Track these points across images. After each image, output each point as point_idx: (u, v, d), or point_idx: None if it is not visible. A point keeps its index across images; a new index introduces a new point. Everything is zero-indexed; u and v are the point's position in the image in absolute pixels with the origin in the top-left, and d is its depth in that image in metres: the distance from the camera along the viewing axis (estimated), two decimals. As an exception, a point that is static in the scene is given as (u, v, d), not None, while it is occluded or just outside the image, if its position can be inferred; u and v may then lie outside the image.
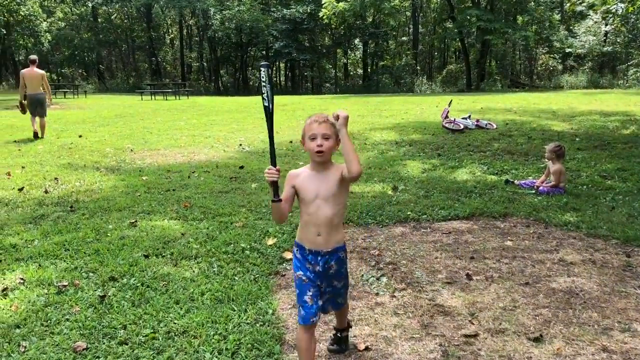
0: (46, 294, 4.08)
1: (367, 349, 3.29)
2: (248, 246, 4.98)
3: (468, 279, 4.29)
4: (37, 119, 12.66)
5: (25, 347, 3.32)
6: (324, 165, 2.81)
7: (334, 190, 2.77)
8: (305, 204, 2.83)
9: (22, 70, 13.10)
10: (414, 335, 3.44)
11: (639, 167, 8.17)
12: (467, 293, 4.05)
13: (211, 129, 14.52)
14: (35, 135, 12.48)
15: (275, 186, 2.79)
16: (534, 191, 7.09)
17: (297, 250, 2.93)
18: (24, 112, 13.06)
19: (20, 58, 47.44)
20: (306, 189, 2.82)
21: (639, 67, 34.59)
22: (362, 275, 4.40)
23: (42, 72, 13.12)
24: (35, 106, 12.66)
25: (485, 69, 40.20)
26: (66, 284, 4.22)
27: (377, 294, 4.07)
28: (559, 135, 11.03)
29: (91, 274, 4.44)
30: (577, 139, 10.25)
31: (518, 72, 44.38)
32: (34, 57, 13.18)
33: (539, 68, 42.54)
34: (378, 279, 4.32)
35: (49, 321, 3.65)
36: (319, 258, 2.84)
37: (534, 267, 4.54)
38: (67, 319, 3.68)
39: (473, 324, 3.57)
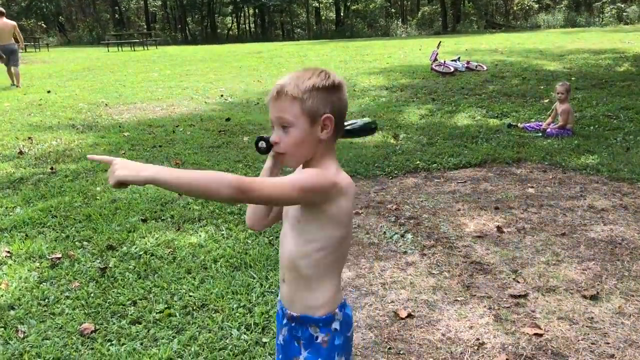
0: (38, 268, 3.65)
1: (409, 315, 2.98)
2: (254, 205, 4.57)
3: (499, 232, 3.99)
4: (13, 69, 13.00)
5: (24, 332, 2.92)
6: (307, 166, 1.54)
7: (298, 212, 1.51)
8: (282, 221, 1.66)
9: None
10: (457, 298, 3.14)
11: (642, 105, 7.93)
12: (502, 248, 3.75)
13: (187, 79, 13.83)
14: (13, 85, 12.98)
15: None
16: (540, 134, 6.79)
17: (278, 290, 1.87)
18: (4, 62, 13.06)
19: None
20: None
21: (615, 4, 34.25)
22: (385, 233, 4.06)
23: (13, 22, 13.31)
24: (8, 57, 12.85)
25: (461, 10, 39.41)
26: (59, 255, 3.79)
27: (405, 253, 3.74)
28: (553, 75, 10.71)
29: (85, 243, 4.01)
30: (572, 79, 9.95)
31: (493, 12, 43.65)
32: (1, 9, 13.13)
33: (514, 8, 41.85)
34: (402, 235, 3.99)
35: (46, 300, 3.24)
36: (283, 320, 1.64)
37: (565, 215, 4.26)
38: (67, 297, 3.27)
39: (518, 282, 3.28)
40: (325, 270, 1.55)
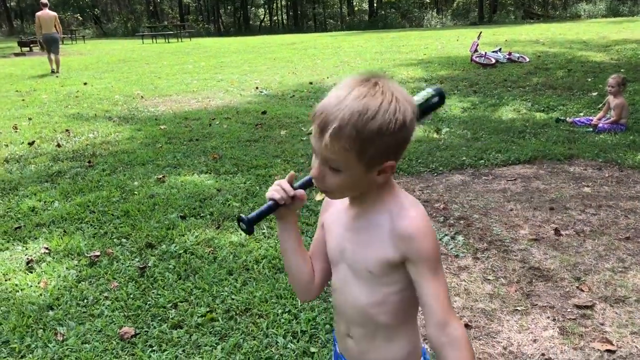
0: (77, 266, 3.56)
1: (467, 326, 2.77)
2: (295, 202, 4.41)
3: (557, 235, 3.74)
4: (53, 56, 14.18)
5: (63, 335, 2.82)
6: (364, 199, 1.24)
7: (374, 263, 1.22)
8: (332, 264, 1.36)
9: (37, 13, 14.34)
10: (517, 307, 2.92)
11: (700, 98, 7.49)
12: (561, 252, 3.50)
13: (222, 71, 13.76)
14: (53, 72, 14.06)
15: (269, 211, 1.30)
16: (591, 129, 6.46)
17: (333, 344, 1.51)
18: (44, 49, 14.59)
19: (11, 4, 45.75)
20: (331, 234, 1.34)
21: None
22: (434, 233, 3.85)
23: (54, 13, 14.52)
24: (50, 44, 14.05)
25: (497, 0, 38.53)
26: (98, 253, 3.69)
27: (457, 256, 3.53)
28: (601, 67, 10.26)
29: (124, 240, 3.91)
30: (622, 70, 9.50)
31: (530, 1, 42.53)
32: (45, 0, 14.22)
33: (553, -3, 40.78)
34: (453, 237, 3.78)
35: (85, 300, 3.14)
36: None
37: (627, 217, 3.98)
38: (106, 297, 3.16)
39: (583, 290, 3.04)
40: (405, 314, 1.28)
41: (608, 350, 2.53)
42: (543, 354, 2.54)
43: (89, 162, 5.85)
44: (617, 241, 3.62)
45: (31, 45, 23.39)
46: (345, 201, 1.29)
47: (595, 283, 3.11)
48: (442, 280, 1.17)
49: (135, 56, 19.04)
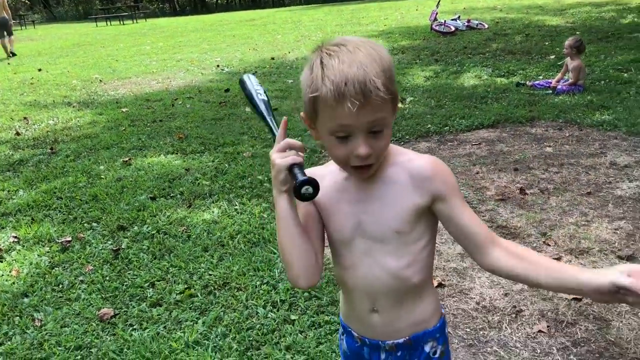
0: (48, 252, 3.52)
1: (440, 285, 2.86)
2: (265, 178, 4.42)
3: (522, 194, 3.86)
4: (6, 39, 14.53)
5: (41, 320, 2.80)
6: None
7: (402, 220, 1.20)
8: (339, 244, 1.27)
9: None
10: (488, 265, 3.02)
11: (653, 57, 7.72)
12: (527, 210, 3.62)
13: (181, 51, 13.52)
14: (9, 56, 14.48)
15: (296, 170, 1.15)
16: (550, 91, 6.61)
17: (342, 334, 1.42)
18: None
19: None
20: (337, 213, 1.25)
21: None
22: (404, 200, 3.93)
23: None
24: (2, 28, 14.42)
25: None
26: (69, 238, 3.65)
27: (427, 220, 3.61)
28: (557, 30, 10.45)
29: (95, 224, 3.88)
30: (577, 33, 9.70)
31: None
32: None
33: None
34: (423, 202, 3.85)
35: (60, 285, 3.12)
36: (383, 357, 1.33)
37: (588, 174, 4.13)
38: (82, 281, 3.14)
39: (549, 245, 3.16)
40: (430, 269, 1.28)
41: (575, 299, 2.65)
42: (514, 306, 2.65)
43: (51, 148, 5.73)
44: (580, 196, 3.75)
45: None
46: (338, 179, 1.24)
47: (561, 237, 3.24)
48: (470, 209, 1.19)
49: (90, 40, 18.52)
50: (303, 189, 1.12)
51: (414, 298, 1.27)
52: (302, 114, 1.18)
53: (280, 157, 1.14)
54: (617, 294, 0.98)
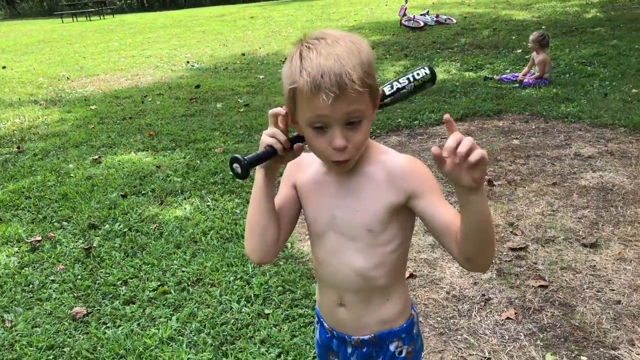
0: (17, 252, 3.47)
1: (411, 275, 2.92)
2: (238, 173, 4.42)
3: (490, 185, 3.94)
4: None
5: (11, 321, 2.77)
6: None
7: (375, 217, 1.21)
8: (314, 237, 1.32)
9: None
10: (457, 255, 3.09)
11: (614, 50, 7.94)
12: (495, 201, 3.70)
13: (150, 47, 13.35)
14: None
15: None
16: (517, 84, 6.74)
17: (316, 323, 1.47)
18: None
19: None
20: (313, 205, 1.30)
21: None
22: (375, 193, 3.98)
23: None
24: None
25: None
26: (39, 238, 3.61)
27: (398, 212, 3.66)
28: (523, 25, 10.64)
29: (65, 224, 3.83)
30: (543, 27, 9.89)
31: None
32: None
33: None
34: (394, 195, 3.91)
35: (31, 285, 3.08)
36: (349, 351, 1.36)
37: (554, 165, 4.24)
38: (53, 281, 3.11)
39: (516, 234, 3.24)
40: (399, 273, 1.30)
41: (541, 286, 2.74)
42: (483, 295, 2.72)
43: (18, 147, 5.63)
44: (546, 187, 3.85)
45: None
46: (319, 171, 1.26)
47: (527, 227, 3.33)
48: (448, 204, 1.16)
49: (56, 36, 18.14)
50: (234, 165, 1.14)
51: (380, 298, 1.28)
52: (284, 107, 1.18)
53: (265, 135, 1.16)
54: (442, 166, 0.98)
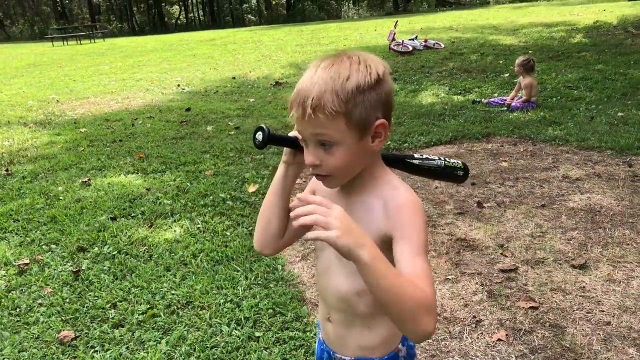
0: (5, 276, 3.43)
1: (402, 298, 2.91)
2: (228, 196, 4.43)
3: (479, 207, 3.97)
4: None
5: (-3, 346, 2.72)
6: (357, 183, 1.22)
7: None
8: (317, 248, 1.36)
9: None
10: (448, 277, 3.10)
11: (599, 75, 8.08)
12: (484, 223, 3.73)
13: (140, 70, 13.40)
14: None
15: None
16: (505, 108, 6.84)
17: (318, 330, 1.49)
18: None
19: None
20: None
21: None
22: (366, 215, 3.99)
23: None
24: None
25: (411, -10, 39.59)
26: (27, 261, 3.57)
27: (389, 234, 3.67)
28: (511, 49, 10.81)
29: (54, 246, 3.80)
30: (530, 52, 10.06)
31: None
32: None
33: (462, -14, 42.32)
34: (384, 217, 3.92)
35: (18, 309, 3.04)
36: None
37: (542, 187, 4.28)
38: (41, 304, 3.07)
39: (506, 256, 3.26)
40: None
41: (532, 307, 2.74)
42: (474, 317, 2.72)
43: (7, 170, 5.59)
44: (534, 209, 3.89)
45: None
46: (332, 190, 1.25)
47: (517, 248, 3.34)
48: (426, 261, 1.08)
49: (46, 59, 18.16)
50: (257, 133, 1.21)
51: (362, 325, 1.27)
52: None
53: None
54: None
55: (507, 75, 8.70)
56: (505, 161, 4.93)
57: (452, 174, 1.35)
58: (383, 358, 1.30)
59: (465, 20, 17.87)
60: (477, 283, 3.00)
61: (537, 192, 4.19)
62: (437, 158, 1.34)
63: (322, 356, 1.41)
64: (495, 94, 7.60)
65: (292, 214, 0.96)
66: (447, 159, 1.35)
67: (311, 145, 1.12)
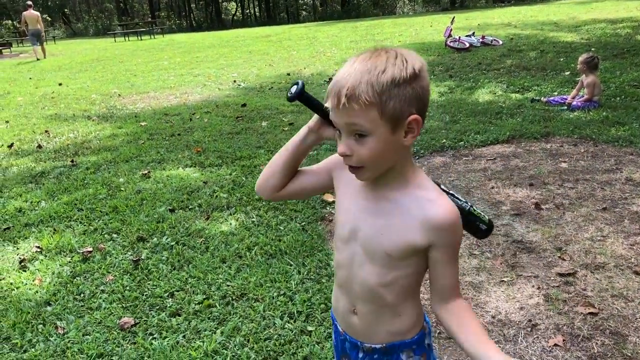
0: (70, 262, 3.60)
1: (456, 298, 2.88)
2: (282, 190, 4.48)
3: (537, 209, 3.87)
4: (38, 47, 18.89)
5: (63, 329, 2.86)
6: (386, 180, 1.22)
7: (397, 247, 1.21)
8: (338, 240, 1.34)
9: (24, 12, 18.78)
10: (503, 279, 3.04)
11: (668, 73, 7.71)
12: (542, 225, 3.64)
13: (198, 66, 13.71)
14: (38, 59, 18.58)
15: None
16: (566, 107, 6.62)
17: (332, 325, 1.51)
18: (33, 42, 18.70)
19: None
20: (342, 206, 1.33)
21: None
22: (419, 214, 3.96)
23: (37, 13, 18.92)
24: (36, 37, 18.74)
25: (468, -15, 38.82)
26: (90, 249, 3.73)
27: (442, 234, 3.64)
28: (572, 47, 10.46)
29: (115, 235, 3.95)
30: (592, 49, 9.71)
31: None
32: (29, 2, 18.99)
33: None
34: (438, 216, 3.88)
35: (82, 295, 3.18)
36: (360, 356, 1.38)
37: (604, 189, 4.13)
38: (103, 291, 3.21)
39: (564, 260, 3.17)
40: (411, 293, 1.31)
41: (591, 313, 2.66)
42: (530, 320, 2.67)
43: (72, 161, 5.85)
44: (595, 212, 3.76)
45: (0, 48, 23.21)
46: (358, 182, 1.26)
47: (576, 252, 3.25)
48: (457, 264, 1.22)
49: (109, 55, 18.85)
50: (293, 86, 1.27)
51: (391, 313, 1.30)
52: None
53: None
54: None
55: (567, 73, 8.43)
56: (564, 162, 4.79)
57: (474, 224, 1.34)
58: (414, 338, 1.34)
59: (524, 17, 17.40)
60: (533, 286, 2.94)
61: (598, 194, 4.05)
62: (463, 200, 1.33)
63: (342, 346, 1.43)
64: (555, 93, 7.37)
65: None
66: (474, 206, 1.34)
67: (344, 135, 1.15)
